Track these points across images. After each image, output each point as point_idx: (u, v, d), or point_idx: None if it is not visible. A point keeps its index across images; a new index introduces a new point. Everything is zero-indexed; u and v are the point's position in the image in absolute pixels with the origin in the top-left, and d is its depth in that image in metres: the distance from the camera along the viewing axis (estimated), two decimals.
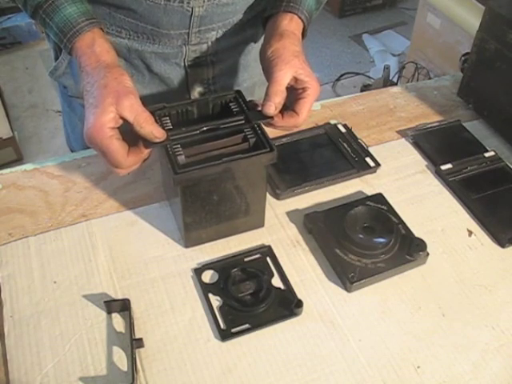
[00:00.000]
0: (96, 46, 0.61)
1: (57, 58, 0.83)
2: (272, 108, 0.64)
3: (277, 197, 0.74)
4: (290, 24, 0.69)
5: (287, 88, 0.65)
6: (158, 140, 0.59)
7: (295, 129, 0.69)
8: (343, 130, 0.84)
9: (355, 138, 0.82)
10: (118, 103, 0.57)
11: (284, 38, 0.67)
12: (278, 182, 0.74)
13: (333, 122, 0.85)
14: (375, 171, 0.78)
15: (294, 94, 0.66)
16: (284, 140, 0.81)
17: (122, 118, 0.57)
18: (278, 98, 0.64)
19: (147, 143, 0.59)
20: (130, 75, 0.62)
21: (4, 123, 2.04)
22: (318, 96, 0.67)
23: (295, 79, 0.65)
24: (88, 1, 0.66)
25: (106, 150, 0.57)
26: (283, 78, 0.64)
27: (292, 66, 0.64)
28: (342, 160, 0.79)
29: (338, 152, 0.80)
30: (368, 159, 0.79)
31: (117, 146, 0.57)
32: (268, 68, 0.66)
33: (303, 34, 0.72)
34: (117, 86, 0.58)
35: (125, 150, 0.59)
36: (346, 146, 0.81)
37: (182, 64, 0.81)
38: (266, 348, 0.58)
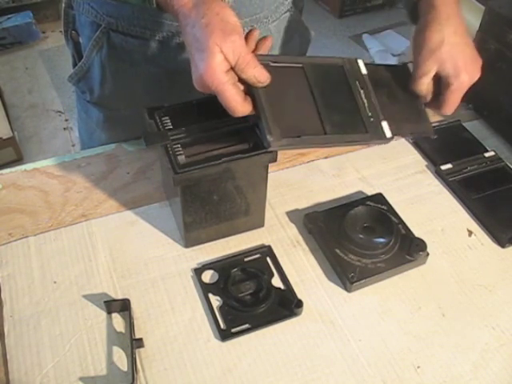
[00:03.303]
0: None
1: (75, 65, 0.83)
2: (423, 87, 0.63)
3: (267, 145, 0.56)
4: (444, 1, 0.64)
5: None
6: (260, 85, 0.55)
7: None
8: (364, 70, 0.65)
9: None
10: (221, 44, 0.52)
11: (427, 26, 0.62)
12: (270, 124, 0.57)
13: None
14: (388, 142, 0.63)
15: (442, 84, 0.63)
16: (282, 62, 0.61)
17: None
18: (425, 89, 0.63)
19: (148, 141, 0.59)
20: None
21: (4, 123, 2.04)
22: (468, 86, 0.63)
23: (439, 73, 0.62)
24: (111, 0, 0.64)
25: (220, 96, 0.54)
26: (424, 75, 0.62)
27: (433, 61, 0.62)
28: (355, 114, 0.62)
29: (352, 101, 0.63)
30: (385, 124, 0.62)
31: (231, 93, 0.54)
32: (413, 56, 0.63)
33: None
34: (219, 24, 0.53)
35: (240, 96, 0.55)
36: (363, 94, 0.63)
37: None
38: (266, 348, 0.58)
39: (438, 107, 0.65)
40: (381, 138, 0.62)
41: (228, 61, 0.53)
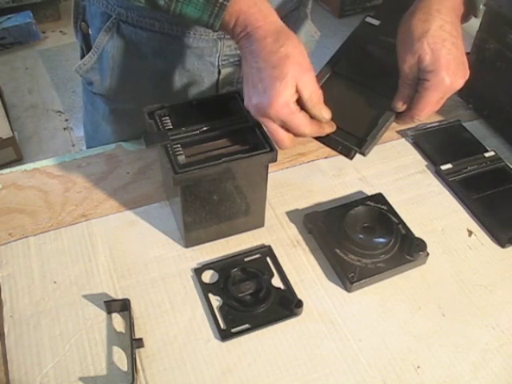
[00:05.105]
0: (260, 3, 0.56)
1: (83, 57, 0.83)
2: (399, 104, 0.61)
3: (363, 155, 0.64)
4: None
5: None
6: (325, 120, 0.59)
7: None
8: (375, 22, 0.67)
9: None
10: (300, 78, 0.55)
11: (414, 15, 0.59)
12: (352, 142, 0.63)
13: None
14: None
15: (419, 83, 0.59)
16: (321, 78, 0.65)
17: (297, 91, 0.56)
18: (406, 91, 0.60)
19: (148, 141, 0.59)
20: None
21: (4, 123, 2.04)
22: (448, 91, 0.59)
23: (418, 67, 0.58)
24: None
25: (290, 124, 0.56)
26: (406, 69, 0.59)
27: (413, 53, 0.57)
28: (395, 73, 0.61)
29: (390, 61, 0.63)
30: None
31: (302, 119, 0.57)
32: (397, 46, 0.60)
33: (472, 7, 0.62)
34: (299, 58, 0.55)
35: (308, 119, 0.58)
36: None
37: (216, 63, 0.79)
38: (266, 348, 0.58)
39: (410, 109, 0.61)
40: None
41: (301, 94, 0.56)
